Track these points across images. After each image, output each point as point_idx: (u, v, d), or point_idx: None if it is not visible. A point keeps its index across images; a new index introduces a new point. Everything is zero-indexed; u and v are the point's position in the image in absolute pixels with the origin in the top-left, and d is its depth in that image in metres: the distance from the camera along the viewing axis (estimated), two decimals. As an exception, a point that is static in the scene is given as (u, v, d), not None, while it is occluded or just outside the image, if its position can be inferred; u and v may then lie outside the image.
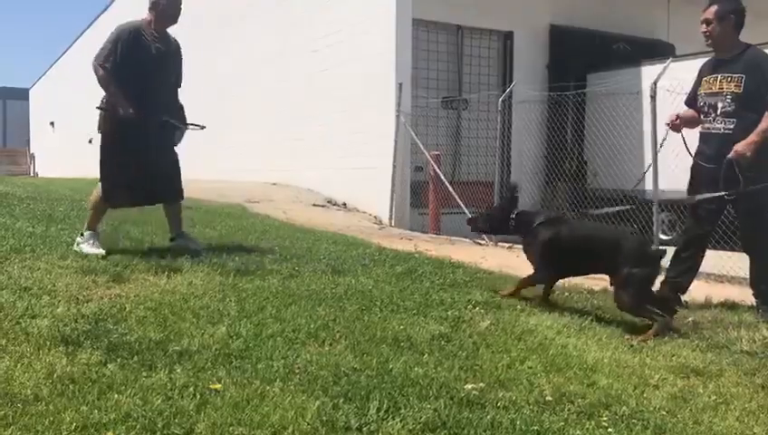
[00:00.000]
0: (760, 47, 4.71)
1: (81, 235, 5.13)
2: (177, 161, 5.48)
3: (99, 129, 5.37)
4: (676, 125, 4.79)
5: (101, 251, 4.95)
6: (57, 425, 2.22)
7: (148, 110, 5.08)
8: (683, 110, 4.92)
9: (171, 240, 5.50)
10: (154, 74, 5.19)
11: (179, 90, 5.55)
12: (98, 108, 5.34)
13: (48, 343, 2.96)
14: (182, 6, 5.31)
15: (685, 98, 5.01)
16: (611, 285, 4.27)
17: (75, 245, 5.07)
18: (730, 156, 4.38)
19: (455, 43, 11.94)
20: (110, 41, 5.17)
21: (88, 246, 5.01)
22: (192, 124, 5.48)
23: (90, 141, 5.45)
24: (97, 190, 5.28)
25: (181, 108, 5.48)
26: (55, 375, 2.61)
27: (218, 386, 2.62)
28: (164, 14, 5.25)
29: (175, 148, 5.45)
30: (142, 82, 5.12)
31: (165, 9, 5.24)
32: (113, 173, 5.20)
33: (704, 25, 4.64)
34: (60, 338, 3.02)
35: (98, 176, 5.31)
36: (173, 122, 5.30)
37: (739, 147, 4.36)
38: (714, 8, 4.60)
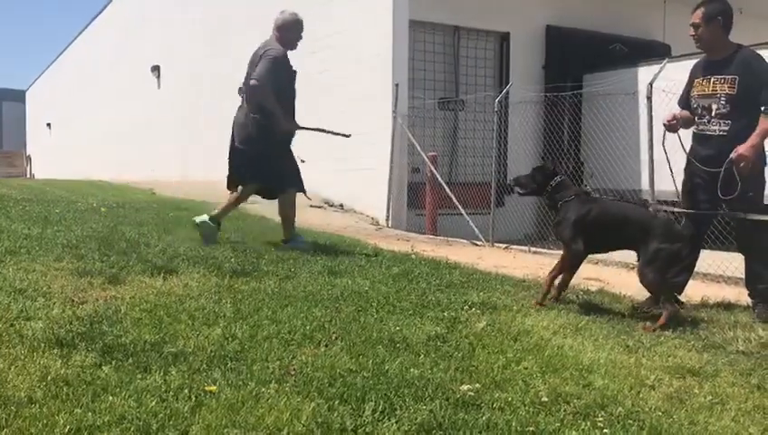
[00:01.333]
0: (752, 48, 4.71)
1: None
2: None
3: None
4: (673, 125, 4.79)
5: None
6: (51, 428, 2.21)
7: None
8: (678, 110, 4.92)
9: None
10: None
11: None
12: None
13: (42, 345, 2.94)
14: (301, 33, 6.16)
15: (677, 99, 5.02)
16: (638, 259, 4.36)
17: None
18: (732, 157, 4.37)
19: (451, 44, 11.94)
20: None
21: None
22: (336, 132, 6.62)
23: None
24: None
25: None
26: (49, 377, 2.60)
27: (213, 388, 2.61)
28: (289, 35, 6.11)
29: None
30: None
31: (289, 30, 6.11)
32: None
33: (692, 29, 4.66)
34: (54, 340, 3.01)
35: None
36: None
37: (742, 149, 4.35)
38: (700, 11, 4.62)
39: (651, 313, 4.33)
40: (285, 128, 5.98)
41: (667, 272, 4.30)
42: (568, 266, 4.56)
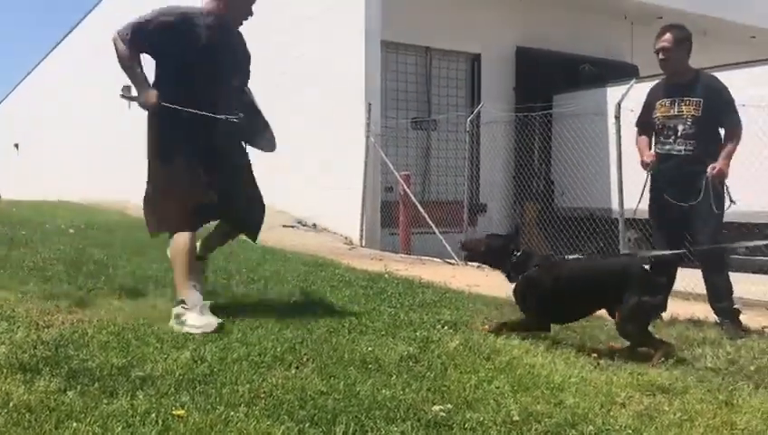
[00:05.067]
0: (711, 70, 4.94)
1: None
2: None
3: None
4: (652, 163, 4.87)
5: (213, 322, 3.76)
6: (12, 456, 2.15)
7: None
8: (644, 139, 5.05)
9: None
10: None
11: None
12: None
13: (5, 370, 2.86)
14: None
15: (636, 120, 5.15)
16: (613, 317, 3.97)
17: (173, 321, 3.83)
18: (710, 174, 4.57)
19: (423, 65, 12.06)
20: None
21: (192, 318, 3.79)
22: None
23: None
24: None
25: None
26: (11, 404, 2.53)
27: (181, 412, 2.56)
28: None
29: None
30: None
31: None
32: None
33: (661, 54, 4.82)
34: (18, 365, 2.93)
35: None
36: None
37: (720, 165, 4.58)
38: (670, 35, 4.82)
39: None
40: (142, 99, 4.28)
41: (647, 323, 3.95)
42: (524, 329, 4.15)
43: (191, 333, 3.61)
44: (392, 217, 10.59)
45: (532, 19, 12.64)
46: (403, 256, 9.49)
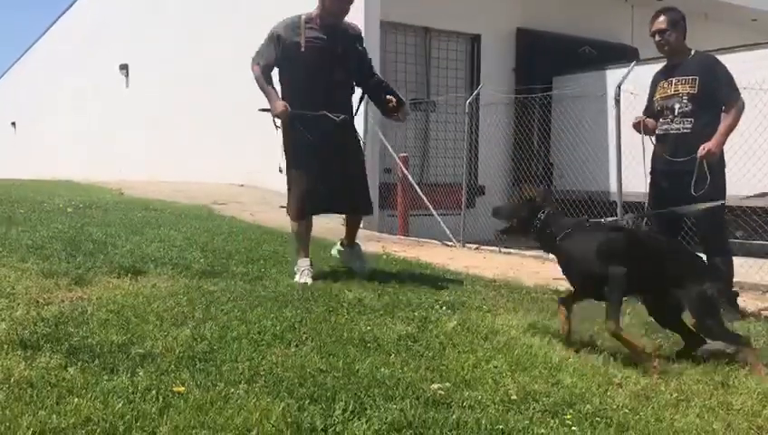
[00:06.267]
0: (712, 52, 4.93)
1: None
2: None
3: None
4: (638, 125, 4.94)
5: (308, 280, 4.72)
6: (14, 430, 2.16)
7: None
8: (634, 114, 5.09)
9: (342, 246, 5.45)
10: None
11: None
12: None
13: (5, 346, 2.88)
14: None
15: (644, 108, 5.16)
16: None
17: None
18: (700, 153, 4.51)
19: (422, 46, 11.98)
20: None
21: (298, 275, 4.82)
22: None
23: (280, 170, 4.91)
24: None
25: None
26: (12, 380, 2.54)
27: (181, 389, 2.58)
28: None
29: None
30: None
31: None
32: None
33: (657, 36, 4.83)
34: (18, 342, 2.95)
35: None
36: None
37: (710, 145, 4.52)
38: (665, 17, 4.85)
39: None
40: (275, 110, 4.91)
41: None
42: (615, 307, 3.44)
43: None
44: (390, 199, 10.58)
45: (532, 0, 12.56)
46: (401, 237, 9.50)
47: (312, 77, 4.87)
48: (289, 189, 5.11)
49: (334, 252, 5.57)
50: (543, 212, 3.72)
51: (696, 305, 3.46)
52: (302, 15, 4.94)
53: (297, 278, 4.78)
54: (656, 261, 3.60)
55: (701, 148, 4.53)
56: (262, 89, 4.99)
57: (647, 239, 4.02)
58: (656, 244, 3.91)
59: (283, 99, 4.91)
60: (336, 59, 4.93)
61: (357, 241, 5.48)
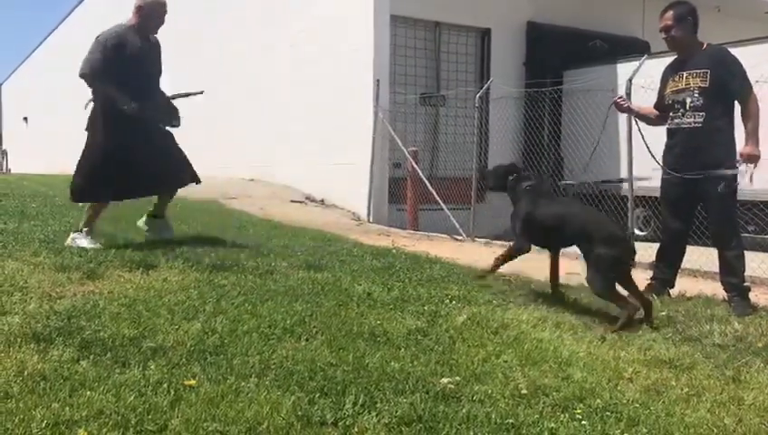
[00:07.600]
0: (726, 45, 4.87)
1: (78, 231, 5.30)
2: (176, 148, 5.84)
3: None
4: (619, 104, 5.16)
5: (98, 245, 5.13)
6: (27, 423, 2.19)
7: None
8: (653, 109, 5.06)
9: (150, 216, 5.73)
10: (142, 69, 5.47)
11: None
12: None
13: (19, 340, 2.91)
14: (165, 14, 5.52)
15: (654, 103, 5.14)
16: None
17: (70, 240, 5.19)
18: (741, 160, 4.55)
19: (432, 40, 11.94)
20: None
21: (85, 241, 5.18)
22: (190, 93, 6.09)
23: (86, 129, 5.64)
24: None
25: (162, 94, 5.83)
26: (26, 373, 2.57)
27: (193, 382, 2.60)
28: (147, 19, 5.47)
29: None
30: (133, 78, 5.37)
31: (148, 15, 5.45)
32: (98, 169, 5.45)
33: (663, 33, 4.80)
34: (31, 335, 2.98)
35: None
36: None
37: (748, 151, 4.52)
38: (671, 13, 4.81)
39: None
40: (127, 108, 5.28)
41: (612, 277, 4.15)
42: (508, 255, 4.65)
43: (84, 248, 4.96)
44: (400, 193, 10.57)
45: (543, -6, 12.50)
46: (410, 231, 9.50)
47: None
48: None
49: (141, 224, 5.77)
50: (512, 175, 4.80)
51: (591, 262, 4.15)
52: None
53: (83, 244, 5.11)
54: (568, 221, 4.44)
55: (738, 154, 4.55)
56: None
57: (568, 202, 5.11)
58: (574, 208, 4.90)
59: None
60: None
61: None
